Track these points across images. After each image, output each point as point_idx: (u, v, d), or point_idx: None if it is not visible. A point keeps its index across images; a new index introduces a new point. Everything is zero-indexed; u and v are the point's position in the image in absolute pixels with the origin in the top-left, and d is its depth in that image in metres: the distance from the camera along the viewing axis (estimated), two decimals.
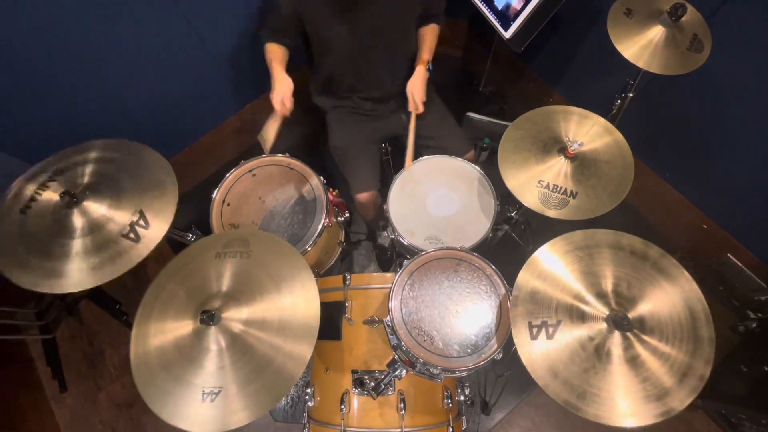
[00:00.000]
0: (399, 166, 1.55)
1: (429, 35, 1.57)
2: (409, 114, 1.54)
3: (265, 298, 1.02)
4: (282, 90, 1.40)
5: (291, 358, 0.95)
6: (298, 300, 1.01)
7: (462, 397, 1.30)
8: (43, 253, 1.06)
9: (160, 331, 1.00)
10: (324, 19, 1.38)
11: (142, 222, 1.10)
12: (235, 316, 1.00)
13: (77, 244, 1.07)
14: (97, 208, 1.12)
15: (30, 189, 1.14)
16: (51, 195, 1.13)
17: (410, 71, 1.55)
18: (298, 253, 1.08)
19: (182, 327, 1.00)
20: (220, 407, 0.91)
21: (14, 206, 1.12)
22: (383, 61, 1.52)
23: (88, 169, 1.18)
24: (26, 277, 1.04)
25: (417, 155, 1.57)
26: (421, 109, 1.51)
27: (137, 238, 1.09)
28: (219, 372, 0.95)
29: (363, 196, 1.63)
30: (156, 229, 1.11)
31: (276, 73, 1.43)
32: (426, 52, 1.55)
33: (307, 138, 2.36)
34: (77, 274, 1.05)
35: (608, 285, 1.00)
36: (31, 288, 1.03)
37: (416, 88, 1.50)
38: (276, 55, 1.46)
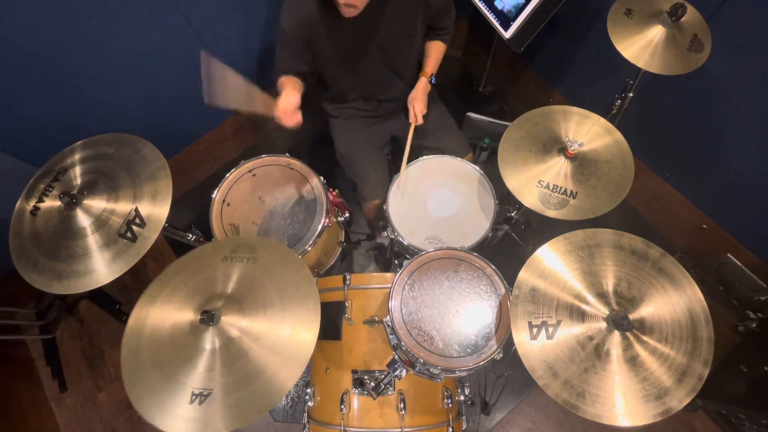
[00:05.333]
0: (399, 166, 1.54)
1: (434, 51, 1.57)
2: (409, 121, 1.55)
3: (268, 311, 1.00)
4: (285, 104, 1.25)
5: (280, 375, 0.93)
6: (298, 321, 0.99)
7: (462, 397, 1.30)
8: (67, 257, 1.14)
9: (157, 320, 1.01)
10: (330, 37, 1.36)
11: (142, 209, 1.18)
12: (235, 322, 1.00)
13: (92, 241, 1.15)
14: (97, 203, 1.18)
15: (30, 204, 1.20)
16: (52, 203, 1.19)
17: (417, 72, 1.56)
18: (305, 267, 1.06)
19: (180, 321, 1.00)
20: (201, 412, 0.90)
21: (24, 224, 1.19)
22: (389, 69, 1.52)
23: (78, 171, 1.24)
24: (64, 282, 1.12)
25: (416, 156, 1.57)
26: (420, 120, 1.53)
27: (143, 224, 1.17)
28: (208, 374, 0.94)
29: (374, 203, 1.66)
30: (158, 208, 1.18)
31: (287, 89, 1.30)
32: (429, 65, 1.56)
33: (309, 138, 2.36)
34: (104, 267, 1.13)
35: (609, 285, 1.00)
36: (72, 291, 1.12)
37: (417, 99, 1.52)
38: (289, 81, 1.36)
